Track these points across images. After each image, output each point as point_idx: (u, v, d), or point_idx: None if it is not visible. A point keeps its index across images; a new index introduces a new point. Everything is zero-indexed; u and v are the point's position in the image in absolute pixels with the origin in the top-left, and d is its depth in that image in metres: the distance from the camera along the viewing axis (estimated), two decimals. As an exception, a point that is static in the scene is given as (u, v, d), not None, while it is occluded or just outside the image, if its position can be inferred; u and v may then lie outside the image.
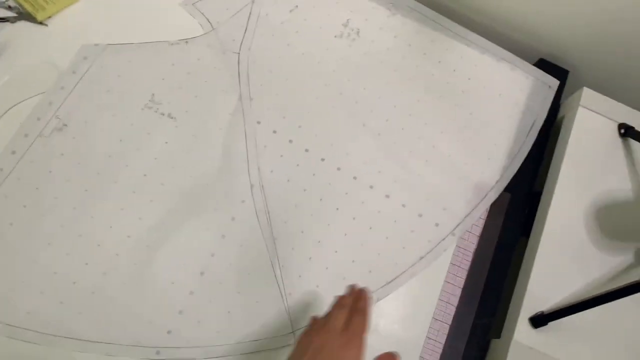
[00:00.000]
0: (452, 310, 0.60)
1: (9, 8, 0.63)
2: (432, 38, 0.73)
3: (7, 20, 0.62)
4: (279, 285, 0.56)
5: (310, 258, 0.59)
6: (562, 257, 0.61)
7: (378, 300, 0.58)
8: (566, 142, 0.66)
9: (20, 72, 0.60)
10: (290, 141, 0.63)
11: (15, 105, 0.58)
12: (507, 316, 0.60)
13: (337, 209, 0.61)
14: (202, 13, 0.68)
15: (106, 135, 0.59)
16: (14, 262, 0.53)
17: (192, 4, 0.68)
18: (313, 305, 0.57)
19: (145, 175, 0.58)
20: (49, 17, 0.64)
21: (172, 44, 0.65)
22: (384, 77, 0.69)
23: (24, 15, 0.63)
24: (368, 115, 0.67)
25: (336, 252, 0.59)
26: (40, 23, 0.63)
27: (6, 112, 0.58)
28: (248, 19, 0.68)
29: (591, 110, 0.68)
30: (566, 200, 0.63)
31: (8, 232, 0.53)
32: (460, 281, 0.62)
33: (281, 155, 0.63)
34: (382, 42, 0.71)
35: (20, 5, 0.63)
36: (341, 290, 0.58)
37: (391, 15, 0.73)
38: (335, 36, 0.70)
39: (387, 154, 0.65)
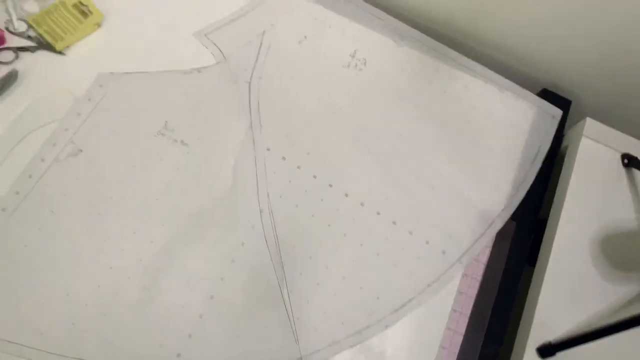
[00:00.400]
0: (459, 339, 0.60)
1: (30, 38, 0.65)
2: (437, 68, 0.75)
3: (28, 50, 0.64)
4: (287, 311, 0.57)
5: (318, 284, 0.59)
6: (568, 286, 0.61)
7: (386, 327, 0.58)
8: (570, 172, 0.67)
9: (39, 99, 0.62)
10: (299, 167, 0.65)
11: (33, 130, 0.60)
12: (515, 345, 0.60)
13: (345, 235, 0.62)
14: (214, 44, 0.70)
15: (120, 161, 0.60)
16: (27, 283, 0.53)
17: (205, 35, 0.70)
18: (321, 331, 0.57)
19: (157, 199, 0.59)
20: (68, 46, 0.66)
21: (185, 73, 0.67)
22: (390, 105, 0.71)
23: (43, 45, 0.65)
24: (374, 143, 0.68)
25: (344, 278, 0.60)
26: (59, 52, 0.65)
27: (25, 137, 0.60)
28: (259, 50, 0.70)
29: (594, 140, 0.69)
30: (571, 230, 0.64)
31: (23, 254, 0.54)
32: (467, 309, 0.62)
33: (290, 181, 0.64)
34: (388, 72, 0.73)
35: (40, 35, 0.65)
36: (349, 317, 0.58)
37: (397, 47, 0.75)
38: (342, 66, 0.72)
39: (394, 181, 0.66)
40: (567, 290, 0.61)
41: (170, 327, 0.54)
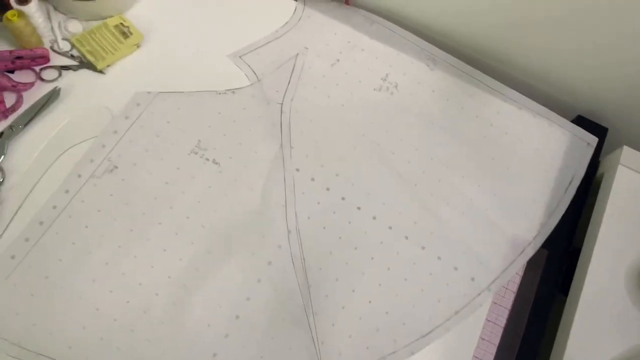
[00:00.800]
0: (487, 368, 0.59)
1: (72, 57, 0.68)
2: (469, 93, 0.75)
3: (70, 68, 0.67)
4: (311, 333, 0.57)
5: (343, 307, 0.59)
6: (602, 318, 0.59)
7: (412, 354, 0.57)
8: (606, 200, 0.65)
9: (78, 116, 0.64)
10: (328, 189, 0.65)
11: (72, 146, 0.62)
12: (545, 378, 0.58)
13: (372, 258, 0.62)
14: (248, 65, 0.71)
15: (153, 178, 0.62)
16: (59, 297, 0.55)
17: (240, 57, 0.71)
18: (345, 355, 0.57)
19: (187, 217, 0.60)
20: (108, 66, 0.68)
21: (219, 94, 0.68)
22: (421, 129, 0.71)
23: (85, 64, 0.67)
24: (404, 166, 0.68)
25: (370, 302, 0.59)
26: (100, 71, 0.68)
27: (63, 152, 0.62)
28: (292, 72, 0.72)
29: (631, 169, 0.67)
30: (606, 260, 0.62)
31: (57, 268, 0.56)
32: (496, 338, 0.61)
33: (318, 202, 0.64)
34: (420, 96, 0.73)
35: (83, 55, 0.67)
36: (374, 342, 0.58)
37: (429, 71, 0.75)
38: (374, 89, 0.73)
39: (423, 205, 0.66)
40: (600, 323, 0.59)
41: (195, 346, 0.54)
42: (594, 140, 0.74)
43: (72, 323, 0.54)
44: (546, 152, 0.72)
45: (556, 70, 0.75)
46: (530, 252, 0.65)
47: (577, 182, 0.70)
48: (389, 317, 0.59)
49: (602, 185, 0.69)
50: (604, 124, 0.76)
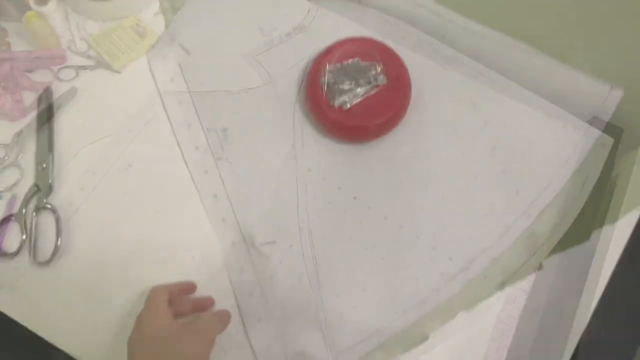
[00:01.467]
0: (497, 370, 0.59)
1: (89, 57, 0.69)
2: (483, 94, 0.74)
3: (87, 68, 0.68)
4: (322, 332, 0.57)
5: (354, 306, 0.59)
6: (616, 321, 0.58)
7: (424, 353, 0.57)
8: (621, 202, 0.64)
9: (94, 115, 0.65)
10: (339, 188, 0.65)
11: (88, 145, 0.63)
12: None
13: (383, 258, 0.62)
14: (262, 65, 0.71)
15: (168, 176, 0.63)
16: (76, 294, 0.56)
17: (254, 57, 0.72)
18: (357, 354, 0.57)
19: (201, 215, 0.61)
20: (123, 65, 0.69)
21: (232, 93, 0.69)
22: (433, 130, 0.70)
23: (101, 64, 0.69)
24: (416, 167, 0.67)
25: (381, 301, 0.60)
26: (115, 71, 0.69)
27: (80, 151, 0.63)
28: (304, 72, 0.72)
29: (647, 171, 0.66)
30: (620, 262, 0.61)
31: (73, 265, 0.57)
32: (507, 340, 0.60)
33: (329, 202, 0.64)
34: (432, 96, 0.73)
35: (99, 54, 0.69)
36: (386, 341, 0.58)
37: (443, 70, 0.75)
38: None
39: (435, 205, 0.65)
40: (614, 326, 0.58)
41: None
42: (609, 141, 0.73)
43: (88, 320, 0.55)
44: (560, 153, 0.71)
45: (572, 70, 0.74)
46: (542, 253, 0.64)
47: (591, 183, 0.69)
48: (400, 316, 0.59)
49: (617, 187, 0.68)
50: (620, 124, 0.75)
